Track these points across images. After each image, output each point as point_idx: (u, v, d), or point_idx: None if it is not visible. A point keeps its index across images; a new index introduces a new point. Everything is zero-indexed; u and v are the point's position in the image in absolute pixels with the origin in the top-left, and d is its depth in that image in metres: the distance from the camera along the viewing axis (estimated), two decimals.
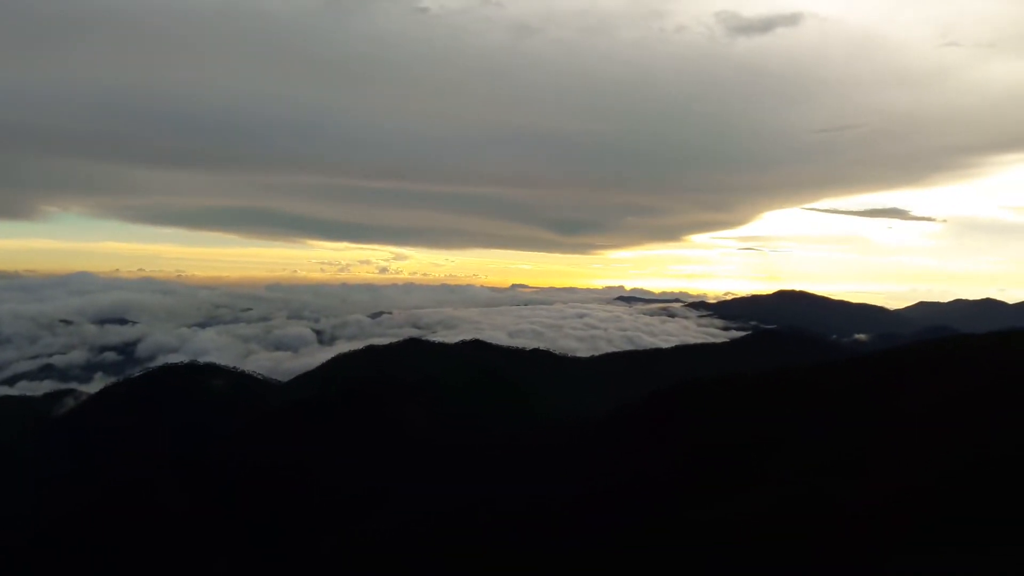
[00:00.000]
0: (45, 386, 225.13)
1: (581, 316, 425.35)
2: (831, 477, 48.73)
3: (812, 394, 74.40)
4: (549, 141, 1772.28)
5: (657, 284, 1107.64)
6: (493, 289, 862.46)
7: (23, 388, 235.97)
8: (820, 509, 42.92)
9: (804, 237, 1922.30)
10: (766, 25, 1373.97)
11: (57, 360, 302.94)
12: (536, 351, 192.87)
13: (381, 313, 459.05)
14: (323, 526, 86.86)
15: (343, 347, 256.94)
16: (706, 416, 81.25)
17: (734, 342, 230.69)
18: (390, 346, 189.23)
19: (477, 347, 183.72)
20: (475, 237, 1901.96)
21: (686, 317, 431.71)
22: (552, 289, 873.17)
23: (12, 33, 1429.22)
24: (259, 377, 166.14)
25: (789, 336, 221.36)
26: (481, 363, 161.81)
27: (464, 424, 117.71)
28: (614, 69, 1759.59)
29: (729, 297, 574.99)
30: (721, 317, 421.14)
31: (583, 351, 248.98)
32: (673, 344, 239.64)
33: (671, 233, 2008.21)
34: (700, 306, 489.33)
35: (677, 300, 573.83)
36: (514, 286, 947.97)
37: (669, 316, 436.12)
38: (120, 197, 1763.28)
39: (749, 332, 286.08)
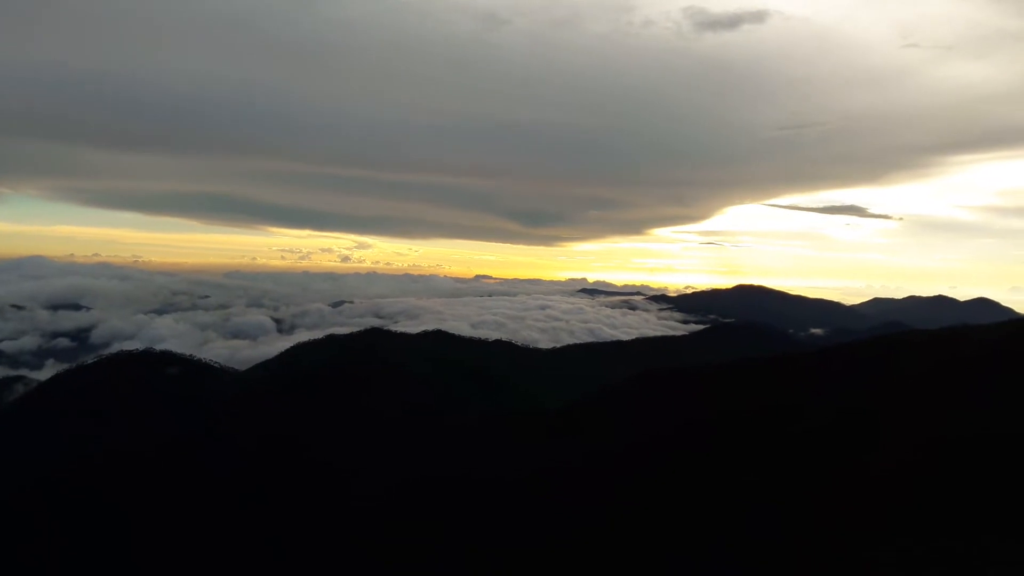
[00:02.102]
0: None
1: (544, 308, 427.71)
2: (789, 469, 49.50)
3: (768, 386, 75.40)
4: (515, 132, 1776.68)
5: (620, 277, 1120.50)
6: (457, 279, 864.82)
7: None
8: (783, 501, 43.60)
9: (764, 232, 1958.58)
10: (733, 21, 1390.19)
11: (7, 346, 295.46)
12: (498, 342, 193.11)
13: (342, 302, 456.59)
14: (280, 516, 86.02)
15: (303, 336, 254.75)
16: (663, 407, 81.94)
17: (692, 335, 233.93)
18: (351, 335, 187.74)
19: (439, 337, 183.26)
20: (440, 227, 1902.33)
21: (647, 310, 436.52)
22: (516, 280, 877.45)
23: None
24: (216, 365, 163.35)
25: (747, 330, 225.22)
26: (443, 353, 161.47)
27: (422, 414, 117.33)
28: (581, 62, 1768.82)
29: (689, 291, 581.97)
30: (681, 310, 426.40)
31: (545, 342, 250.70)
32: (633, 336, 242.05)
33: (634, 227, 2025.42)
34: (661, 299, 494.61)
35: (639, 293, 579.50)
36: (478, 277, 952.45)
37: (630, 309, 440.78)
38: (76, 179, 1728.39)
39: (708, 326, 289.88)
